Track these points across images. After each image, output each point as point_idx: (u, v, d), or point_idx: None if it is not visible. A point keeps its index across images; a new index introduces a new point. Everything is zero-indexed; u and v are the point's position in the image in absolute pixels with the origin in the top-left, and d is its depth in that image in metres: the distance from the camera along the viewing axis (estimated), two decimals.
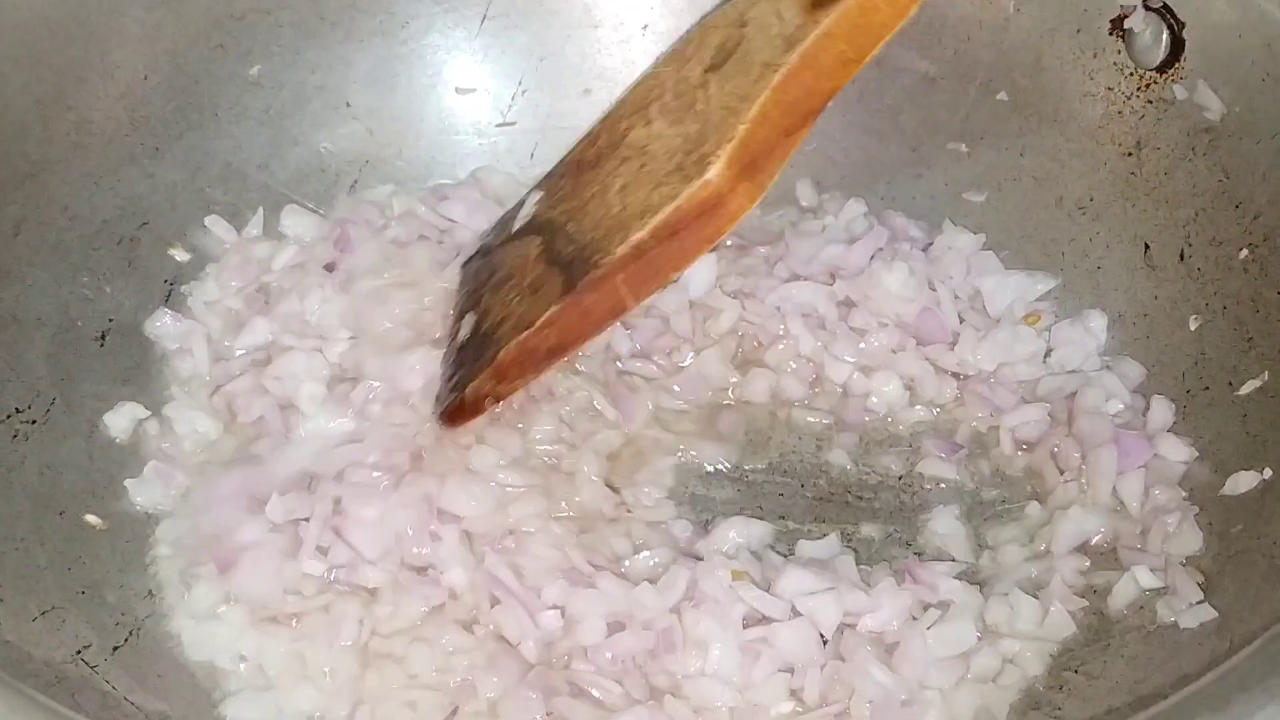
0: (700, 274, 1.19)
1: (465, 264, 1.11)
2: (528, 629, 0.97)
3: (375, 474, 1.03)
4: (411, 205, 1.24)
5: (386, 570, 1.00)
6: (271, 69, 1.25)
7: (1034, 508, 1.08)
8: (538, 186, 1.03)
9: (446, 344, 1.04)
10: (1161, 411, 1.10)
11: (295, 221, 1.24)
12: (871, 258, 1.21)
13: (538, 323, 0.91)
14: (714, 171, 0.84)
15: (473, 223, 1.21)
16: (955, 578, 1.01)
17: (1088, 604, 1.00)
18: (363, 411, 1.09)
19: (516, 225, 1.04)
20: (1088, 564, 1.03)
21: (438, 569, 1.00)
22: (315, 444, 1.07)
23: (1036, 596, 1.00)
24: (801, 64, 0.83)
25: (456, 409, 0.97)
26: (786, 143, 0.86)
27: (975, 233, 1.24)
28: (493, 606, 0.98)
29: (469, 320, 0.99)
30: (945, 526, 1.06)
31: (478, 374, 0.95)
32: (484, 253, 1.07)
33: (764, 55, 0.85)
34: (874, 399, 1.16)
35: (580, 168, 1.00)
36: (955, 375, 1.17)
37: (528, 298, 0.93)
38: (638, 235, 0.86)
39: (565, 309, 0.90)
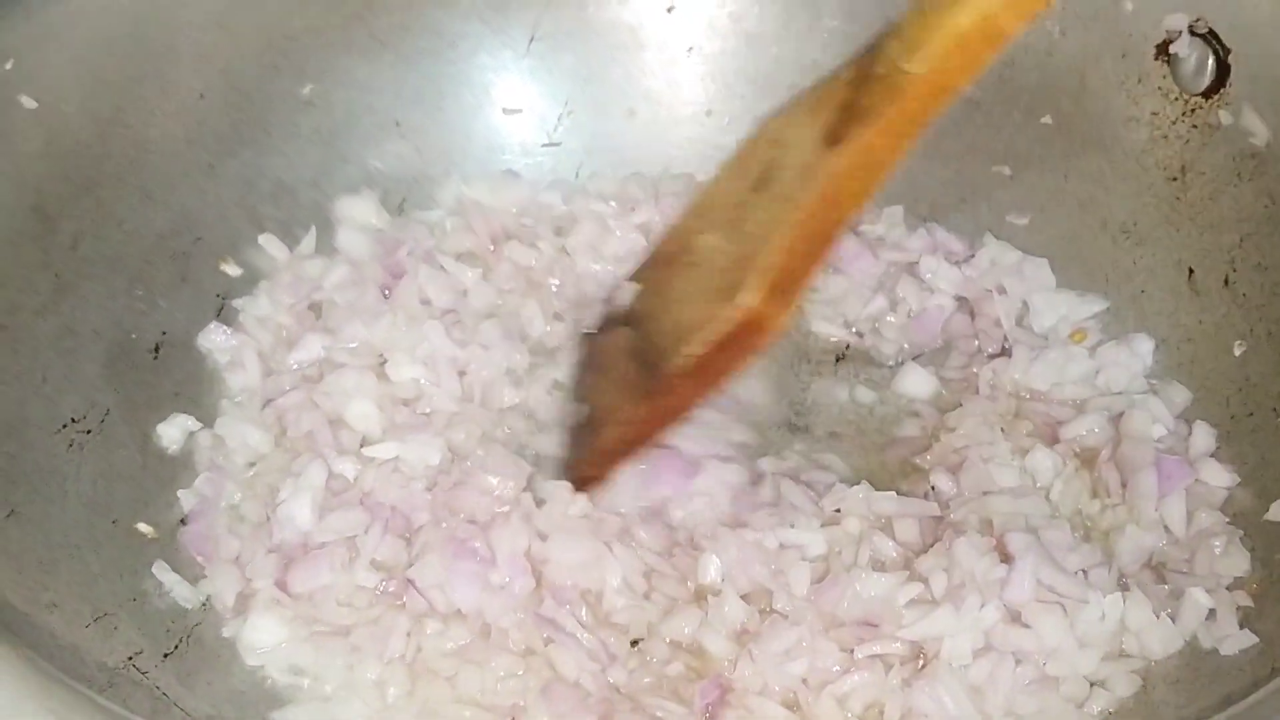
0: None
1: (580, 341, 1.20)
2: (585, 664, 0.98)
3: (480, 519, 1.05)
4: (472, 244, 1.26)
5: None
6: (323, 88, 1.26)
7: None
8: (634, 275, 1.14)
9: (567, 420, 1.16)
10: (1203, 437, 1.09)
11: (349, 239, 1.25)
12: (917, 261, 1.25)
13: (627, 420, 1.06)
14: (747, 298, 0.94)
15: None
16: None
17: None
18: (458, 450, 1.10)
19: (614, 310, 1.15)
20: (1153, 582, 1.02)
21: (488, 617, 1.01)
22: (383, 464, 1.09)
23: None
24: (818, 201, 0.93)
25: (577, 482, 1.09)
26: (810, 266, 0.96)
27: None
28: (547, 645, 0.99)
29: (580, 409, 1.13)
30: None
31: (588, 459, 1.10)
32: (590, 335, 1.18)
33: (789, 187, 0.96)
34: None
35: (660, 262, 1.12)
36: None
37: (621, 393, 1.07)
38: (692, 350, 0.98)
39: (646, 410, 1.04)
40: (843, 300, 1.25)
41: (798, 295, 0.97)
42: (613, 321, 1.14)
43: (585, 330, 1.19)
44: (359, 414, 1.12)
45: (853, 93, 0.92)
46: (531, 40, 1.32)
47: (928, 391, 1.19)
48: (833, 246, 0.97)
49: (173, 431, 1.12)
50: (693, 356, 0.98)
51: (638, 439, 1.07)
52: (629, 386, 1.06)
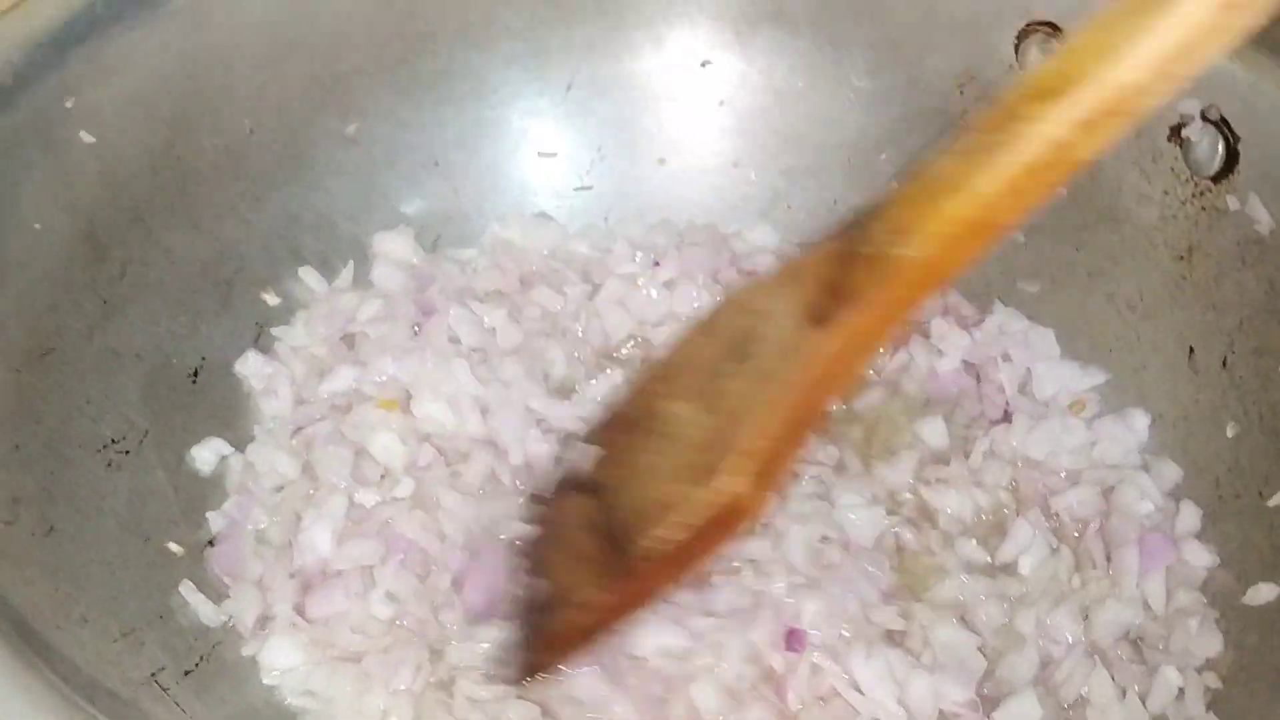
0: None
1: (534, 499, 1.14)
2: None
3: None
4: (502, 284, 1.30)
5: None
6: (367, 127, 1.31)
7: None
8: (590, 436, 1.09)
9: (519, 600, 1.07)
10: (1189, 516, 1.12)
11: (384, 274, 1.30)
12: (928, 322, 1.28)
13: (585, 604, 0.98)
14: (730, 483, 0.89)
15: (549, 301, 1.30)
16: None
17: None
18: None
19: (572, 474, 1.09)
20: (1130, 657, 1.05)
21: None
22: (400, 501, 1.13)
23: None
24: (803, 383, 0.87)
25: (524, 668, 1.03)
26: (793, 448, 0.91)
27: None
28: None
29: (540, 584, 1.04)
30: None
31: (543, 643, 1.02)
32: (548, 498, 1.12)
33: (770, 363, 0.90)
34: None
35: (623, 426, 1.06)
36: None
37: (584, 571, 0.99)
38: (665, 534, 0.91)
39: (609, 594, 0.97)
40: None
41: (780, 478, 0.91)
42: (569, 486, 1.08)
43: (536, 493, 1.14)
44: (382, 446, 1.16)
45: (837, 270, 0.87)
46: (569, 88, 1.37)
47: (942, 445, 1.22)
48: (816, 426, 0.91)
49: (206, 454, 1.16)
50: (665, 541, 0.92)
51: (596, 625, 0.99)
52: (589, 564, 0.98)
